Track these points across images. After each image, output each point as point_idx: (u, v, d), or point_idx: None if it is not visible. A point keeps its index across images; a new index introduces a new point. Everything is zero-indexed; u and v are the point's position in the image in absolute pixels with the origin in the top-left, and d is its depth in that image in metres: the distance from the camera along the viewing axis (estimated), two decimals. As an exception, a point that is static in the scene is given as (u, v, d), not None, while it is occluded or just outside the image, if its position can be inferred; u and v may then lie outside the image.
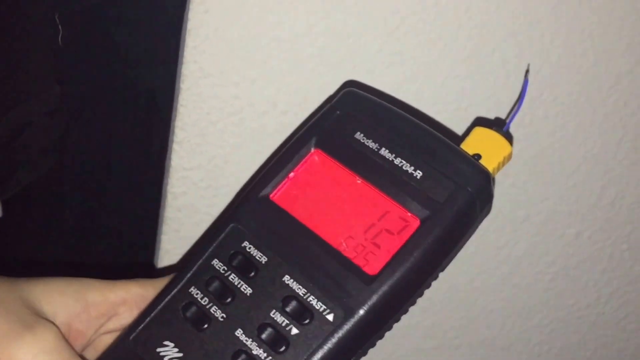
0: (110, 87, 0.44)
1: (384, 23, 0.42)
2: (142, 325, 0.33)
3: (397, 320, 0.33)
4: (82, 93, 0.44)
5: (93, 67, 0.43)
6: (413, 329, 0.51)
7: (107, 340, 0.35)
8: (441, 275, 0.34)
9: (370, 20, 0.42)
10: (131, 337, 0.33)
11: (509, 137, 0.36)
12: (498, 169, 0.35)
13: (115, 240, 0.49)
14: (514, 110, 0.39)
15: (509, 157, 0.36)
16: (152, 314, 0.34)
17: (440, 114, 0.45)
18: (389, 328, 0.33)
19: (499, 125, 0.37)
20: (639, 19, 0.43)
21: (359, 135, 0.35)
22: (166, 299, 0.34)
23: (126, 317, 0.35)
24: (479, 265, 0.50)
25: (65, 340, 0.32)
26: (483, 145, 0.35)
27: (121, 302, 0.35)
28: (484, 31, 0.43)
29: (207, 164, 0.45)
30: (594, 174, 0.48)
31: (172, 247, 0.47)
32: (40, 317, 0.32)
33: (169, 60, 0.42)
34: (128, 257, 0.49)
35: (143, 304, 0.35)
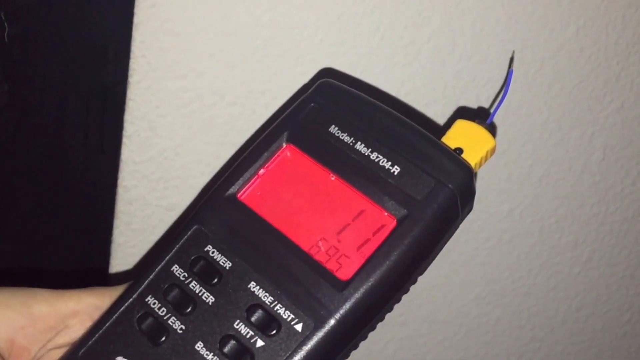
0: (61, 83, 0.43)
1: (325, 14, 0.42)
2: (93, 340, 0.31)
3: (373, 328, 0.31)
4: (32, 90, 0.43)
5: (43, 64, 0.42)
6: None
7: (56, 356, 0.32)
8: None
9: (317, 10, 0.42)
10: (80, 353, 0.30)
11: (492, 130, 0.34)
12: (480, 163, 0.34)
13: (69, 241, 0.48)
14: (498, 102, 0.37)
15: (492, 151, 0.34)
16: (104, 327, 0.31)
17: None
18: (364, 337, 0.31)
19: (483, 117, 0.35)
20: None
21: (333, 129, 0.32)
22: (120, 310, 0.31)
23: (78, 330, 0.32)
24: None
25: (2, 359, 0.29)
26: (465, 139, 0.33)
27: (72, 314, 0.32)
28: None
29: (158, 156, 0.45)
30: (522, 154, 0.49)
31: (124, 240, 0.47)
32: None
33: (121, 55, 0.42)
34: (84, 258, 0.48)
35: (97, 316, 0.32)
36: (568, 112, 0.48)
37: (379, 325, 0.54)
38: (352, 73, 0.44)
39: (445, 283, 0.54)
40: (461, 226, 0.50)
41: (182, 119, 0.44)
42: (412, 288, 0.52)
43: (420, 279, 0.52)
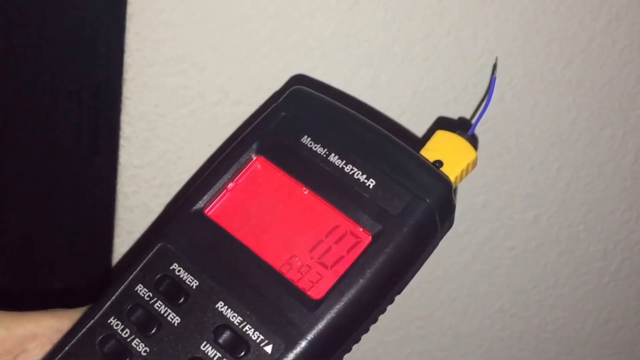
0: (49, 79, 0.41)
1: (336, 4, 0.41)
2: None
3: (348, 350, 0.30)
4: (17, 87, 0.42)
5: (28, 58, 0.41)
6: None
7: None
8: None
9: (322, 1, 0.41)
10: None
11: (474, 142, 0.34)
12: (461, 177, 0.33)
13: (67, 253, 0.46)
14: (480, 112, 0.36)
15: (473, 164, 0.33)
16: (64, 350, 0.30)
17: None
18: (339, 359, 0.30)
19: (464, 128, 0.35)
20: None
21: (305, 140, 0.32)
22: (81, 332, 0.30)
23: (37, 354, 0.31)
24: (440, 253, 0.50)
25: None
26: (445, 151, 0.33)
27: (31, 337, 0.31)
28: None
29: (159, 160, 0.44)
30: (549, 157, 0.48)
31: (126, 249, 0.46)
32: None
33: (115, 48, 0.40)
34: (83, 271, 0.46)
35: (57, 338, 0.31)
36: (598, 111, 0.47)
37: (398, 339, 0.54)
38: (364, 79, 0.43)
39: (467, 294, 0.53)
40: (484, 234, 0.51)
41: (183, 119, 0.43)
42: (431, 300, 0.53)
43: (440, 290, 0.53)
